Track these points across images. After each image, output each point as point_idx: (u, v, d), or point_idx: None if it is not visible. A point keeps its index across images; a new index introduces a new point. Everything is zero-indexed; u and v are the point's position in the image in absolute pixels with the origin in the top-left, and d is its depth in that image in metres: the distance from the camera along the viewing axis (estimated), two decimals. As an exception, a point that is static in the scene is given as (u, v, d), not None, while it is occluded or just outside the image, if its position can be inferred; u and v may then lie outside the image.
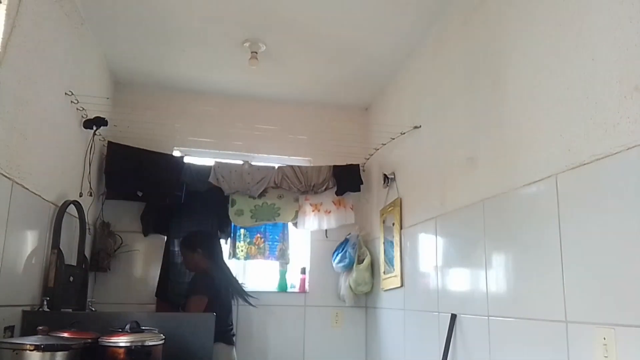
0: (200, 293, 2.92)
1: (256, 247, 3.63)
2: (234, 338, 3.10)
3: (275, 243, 3.68)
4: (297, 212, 3.61)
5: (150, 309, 3.31)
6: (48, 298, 2.25)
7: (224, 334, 2.93)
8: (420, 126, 2.88)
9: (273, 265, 3.72)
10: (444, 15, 2.62)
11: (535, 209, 1.77)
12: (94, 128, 2.87)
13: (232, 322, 3.14)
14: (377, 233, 3.46)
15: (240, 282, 3.32)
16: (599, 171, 1.48)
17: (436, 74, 2.73)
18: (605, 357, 1.39)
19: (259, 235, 3.66)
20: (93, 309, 2.82)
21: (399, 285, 2.99)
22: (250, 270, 3.75)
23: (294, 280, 3.71)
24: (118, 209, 3.36)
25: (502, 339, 1.94)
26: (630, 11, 1.40)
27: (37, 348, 1.64)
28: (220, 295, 3.01)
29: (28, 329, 2.00)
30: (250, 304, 3.27)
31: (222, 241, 3.55)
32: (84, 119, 2.81)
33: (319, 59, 3.20)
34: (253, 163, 3.57)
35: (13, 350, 1.63)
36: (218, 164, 3.49)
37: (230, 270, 3.27)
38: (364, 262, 3.43)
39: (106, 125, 2.93)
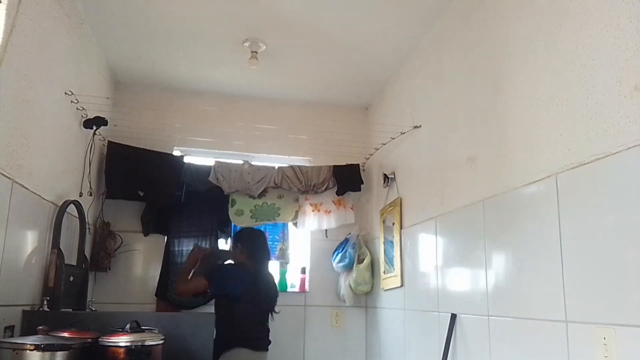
0: (203, 275, 2.88)
1: (256, 247, 3.62)
2: (259, 343, 2.91)
3: (276, 243, 3.69)
4: (297, 212, 3.61)
5: (150, 309, 3.32)
6: (48, 298, 2.25)
7: (245, 339, 2.81)
8: (420, 126, 2.88)
9: (273, 265, 3.72)
10: (444, 15, 2.62)
11: (535, 209, 1.77)
12: (94, 128, 2.87)
13: (256, 328, 2.94)
14: (377, 233, 3.46)
15: (273, 294, 3.10)
16: (599, 171, 1.48)
17: (436, 73, 2.73)
18: (605, 357, 1.39)
19: (259, 235, 3.66)
20: (93, 309, 2.82)
21: (399, 285, 2.99)
22: (250, 270, 3.76)
23: (294, 280, 3.71)
24: (118, 209, 3.36)
25: (502, 339, 1.94)
26: (630, 11, 1.40)
27: (37, 348, 1.64)
28: (239, 295, 2.85)
29: (28, 329, 2.00)
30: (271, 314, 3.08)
31: (223, 241, 3.56)
32: (84, 119, 2.81)
33: (319, 58, 3.20)
34: (253, 163, 3.57)
35: (13, 350, 1.63)
36: (218, 164, 3.49)
37: (268, 278, 3.11)
38: (364, 262, 3.43)
39: (106, 125, 2.94)
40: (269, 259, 3.17)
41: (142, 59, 3.25)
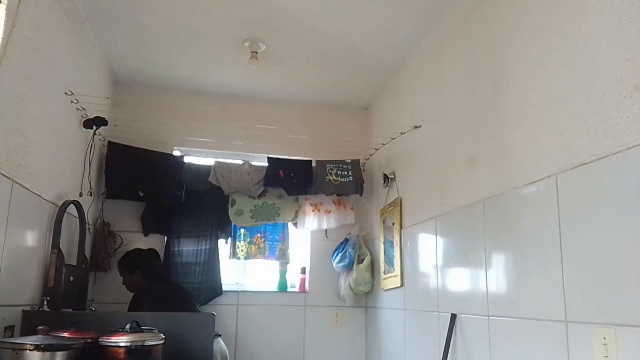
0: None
1: (256, 246, 3.63)
2: None
3: (275, 243, 3.68)
4: (297, 212, 3.60)
5: (150, 309, 3.31)
6: (48, 298, 2.25)
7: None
8: (420, 126, 2.88)
9: (273, 265, 3.72)
10: (444, 15, 2.62)
11: (535, 209, 1.77)
12: (94, 128, 2.87)
13: None
14: (377, 233, 3.46)
15: (193, 294, 3.14)
16: (599, 171, 1.48)
17: (436, 74, 2.73)
18: (605, 357, 1.39)
19: (259, 235, 3.66)
20: (93, 309, 2.82)
21: (399, 285, 2.99)
22: (250, 270, 3.76)
23: (294, 280, 3.72)
24: (118, 209, 3.36)
25: (502, 339, 1.94)
26: (630, 11, 1.40)
27: (37, 348, 1.64)
28: (173, 309, 2.76)
29: (28, 329, 2.00)
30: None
31: (223, 241, 3.56)
32: (83, 119, 2.81)
33: (319, 58, 3.19)
34: (253, 163, 3.57)
35: (13, 350, 1.63)
36: (218, 164, 3.49)
37: (177, 284, 3.18)
38: (364, 262, 3.44)
39: (106, 125, 2.93)
40: (162, 268, 3.18)
41: (142, 58, 3.25)
